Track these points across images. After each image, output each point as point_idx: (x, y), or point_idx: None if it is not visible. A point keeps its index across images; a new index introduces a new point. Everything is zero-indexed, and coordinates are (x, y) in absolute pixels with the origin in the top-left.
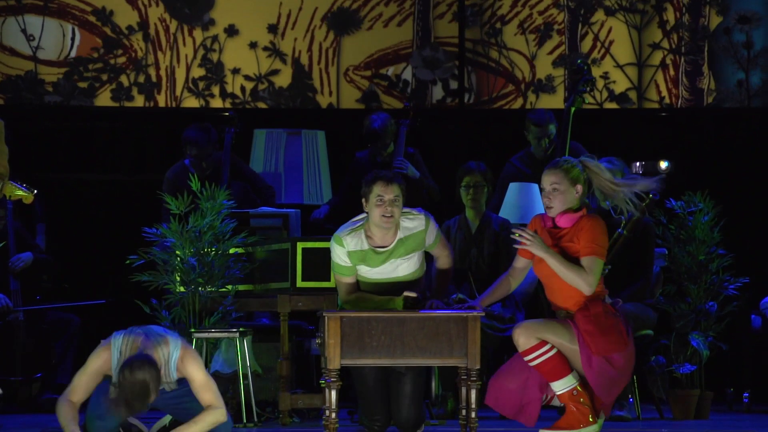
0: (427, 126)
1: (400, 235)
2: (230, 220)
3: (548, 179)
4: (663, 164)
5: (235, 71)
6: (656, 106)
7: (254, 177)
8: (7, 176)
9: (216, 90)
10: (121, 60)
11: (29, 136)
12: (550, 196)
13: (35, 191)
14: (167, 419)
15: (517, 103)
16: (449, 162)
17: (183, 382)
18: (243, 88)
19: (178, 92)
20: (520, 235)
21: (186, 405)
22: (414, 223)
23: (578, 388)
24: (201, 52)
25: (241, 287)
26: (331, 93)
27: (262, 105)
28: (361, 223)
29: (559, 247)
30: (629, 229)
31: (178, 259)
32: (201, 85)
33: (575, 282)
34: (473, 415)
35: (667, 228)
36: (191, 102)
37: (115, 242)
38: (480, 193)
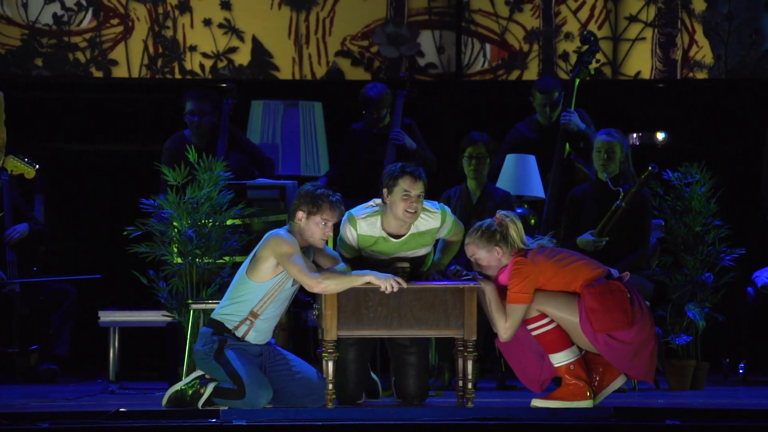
0: (423, 97)
1: (413, 230)
2: (227, 191)
3: (468, 252)
4: (660, 135)
5: (192, 49)
6: (629, 79)
7: (254, 149)
8: (3, 145)
9: (175, 68)
10: (76, 39)
11: (26, 107)
12: (477, 267)
13: (37, 166)
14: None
15: (513, 75)
16: (446, 133)
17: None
18: (202, 66)
19: (135, 69)
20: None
21: (295, 379)
22: (429, 221)
23: (575, 363)
24: (155, 28)
25: (238, 258)
26: (324, 65)
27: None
28: (377, 209)
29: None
30: (627, 201)
31: (176, 230)
32: (159, 62)
33: (494, 321)
34: (470, 386)
35: (664, 199)
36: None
37: (113, 213)
38: (482, 164)
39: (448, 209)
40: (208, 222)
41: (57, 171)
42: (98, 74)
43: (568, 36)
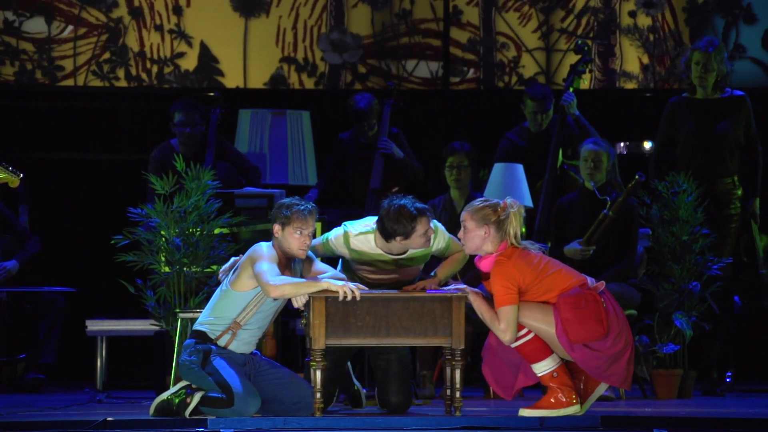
0: (410, 106)
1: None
2: (215, 200)
3: (461, 216)
4: (647, 145)
5: (141, 54)
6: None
7: (240, 158)
8: None
9: (121, 73)
10: (27, 45)
11: (9, 116)
12: (461, 233)
13: (21, 175)
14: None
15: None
16: (433, 141)
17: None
18: (149, 71)
19: (82, 75)
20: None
21: (283, 387)
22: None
23: (558, 370)
24: (105, 34)
25: None
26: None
27: (167, 87)
28: (373, 228)
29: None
30: (614, 211)
31: (163, 239)
32: (105, 67)
33: (492, 328)
34: (458, 395)
35: (651, 208)
36: (95, 84)
37: (100, 222)
38: (464, 173)
39: (440, 225)
40: (196, 231)
41: (42, 180)
42: (44, 80)
43: (505, 45)
